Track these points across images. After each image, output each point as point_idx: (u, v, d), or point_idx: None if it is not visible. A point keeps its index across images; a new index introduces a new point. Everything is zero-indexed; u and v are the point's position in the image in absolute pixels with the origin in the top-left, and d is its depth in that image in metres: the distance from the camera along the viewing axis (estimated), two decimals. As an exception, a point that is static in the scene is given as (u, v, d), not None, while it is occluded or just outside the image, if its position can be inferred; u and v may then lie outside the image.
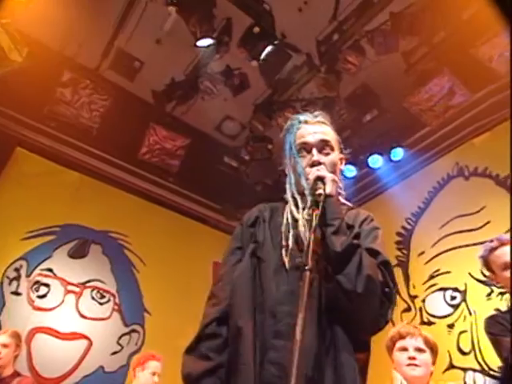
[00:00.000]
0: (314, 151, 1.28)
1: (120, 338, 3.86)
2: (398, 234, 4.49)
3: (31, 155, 4.10)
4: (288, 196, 1.29)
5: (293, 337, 0.85)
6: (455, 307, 3.74)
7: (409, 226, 4.43)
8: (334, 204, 1.16)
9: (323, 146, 1.30)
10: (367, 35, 3.68)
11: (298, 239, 1.16)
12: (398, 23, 3.51)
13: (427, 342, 1.79)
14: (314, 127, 1.34)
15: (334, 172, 1.26)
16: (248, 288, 1.14)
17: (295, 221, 1.20)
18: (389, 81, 4.19)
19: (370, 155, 4.44)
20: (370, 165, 4.47)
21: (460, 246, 3.88)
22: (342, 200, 1.30)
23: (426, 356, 1.75)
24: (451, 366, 3.55)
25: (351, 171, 4.60)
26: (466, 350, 3.54)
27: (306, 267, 0.90)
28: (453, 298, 3.79)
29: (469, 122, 4.08)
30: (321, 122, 1.37)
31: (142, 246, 4.51)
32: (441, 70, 3.82)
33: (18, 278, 3.59)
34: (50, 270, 3.77)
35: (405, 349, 1.76)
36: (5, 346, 2.66)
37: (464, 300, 3.71)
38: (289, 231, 1.18)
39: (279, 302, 1.07)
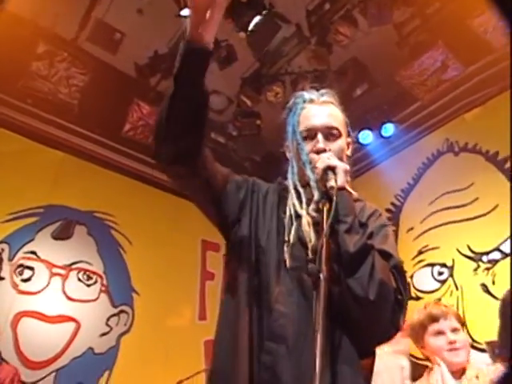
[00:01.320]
0: (320, 137, 1.15)
1: (108, 319, 3.82)
2: (388, 210, 4.48)
3: (9, 133, 3.89)
4: (290, 187, 1.17)
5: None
6: (442, 282, 3.79)
7: (398, 203, 4.43)
8: (347, 198, 1.05)
9: (330, 131, 1.17)
10: (360, 5, 3.52)
11: (300, 237, 1.06)
12: (392, -8, 3.37)
13: (459, 319, 1.65)
14: (320, 108, 1.20)
15: (340, 159, 1.12)
16: (246, 276, 1.06)
17: (298, 216, 1.09)
18: (380, 54, 4.06)
19: (361, 131, 4.36)
20: (360, 140, 4.40)
21: (448, 222, 3.90)
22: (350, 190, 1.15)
23: (463, 335, 1.61)
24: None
25: (341, 147, 4.52)
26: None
27: (321, 275, 0.80)
28: (440, 273, 3.84)
29: (460, 97, 4.01)
30: (328, 102, 1.24)
31: (129, 225, 4.41)
32: (434, 43, 3.71)
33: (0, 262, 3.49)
34: (34, 252, 3.66)
35: (441, 332, 1.59)
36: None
37: (451, 275, 3.76)
38: (291, 226, 1.07)
39: (276, 300, 0.99)
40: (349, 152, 1.24)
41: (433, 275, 3.88)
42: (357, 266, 0.92)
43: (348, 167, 1.10)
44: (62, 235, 3.87)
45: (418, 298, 3.91)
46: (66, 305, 3.62)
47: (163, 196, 4.91)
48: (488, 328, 3.20)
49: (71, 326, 3.57)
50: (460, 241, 3.75)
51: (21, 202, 3.76)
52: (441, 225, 3.95)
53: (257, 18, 3.51)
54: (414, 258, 4.05)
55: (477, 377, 1.52)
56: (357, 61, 4.32)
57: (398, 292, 0.97)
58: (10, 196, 3.70)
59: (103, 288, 3.92)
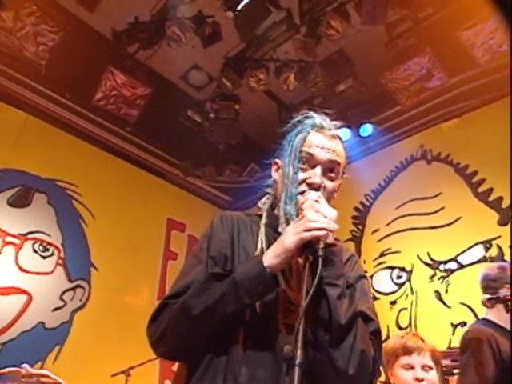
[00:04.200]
0: (318, 170, 1.04)
1: (63, 293, 3.69)
2: (356, 209, 4.54)
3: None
4: (266, 220, 1.08)
5: None
6: (400, 286, 3.91)
7: (367, 203, 4.49)
8: (337, 255, 0.93)
9: (331, 168, 1.06)
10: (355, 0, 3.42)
11: None
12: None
13: (434, 356, 1.58)
14: (328, 142, 1.08)
15: (328, 200, 1.02)
16: None
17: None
18: (368, 52, 4.01)
19: (339, 128, 4.32)
20: (338, 137, 4.37)
21: (412, 228, 4.00)
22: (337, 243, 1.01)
23: (433, 374, 1.54)
24: (388, 338, 3.78)
25: (318, 141, 4.49)
26: (404, 325, 3.75)
27: (297, 362, 0.71)
28: (399, 276, 3.95)
29: (439, 106, 4.05)
30: (337, 137, 1.12)
31: (92, 197, 4.23)
32: (422, 49, 3.69)
33: None
34: (-14, 218, 3.46)
35: (411, 367, 1.55)
36: None
37: (409, 280, 3.88)
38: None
39: (244, 362, 0.88)
40: (336, 196, 1.12)
41: (392, 278, 4.00)
42: (343, 337, 0.86)
43: (337, 227, 0.93)
44: (18, 202, 3.66)
45: (375, 299, 4.03)
46: (18, 276, 3.46)
47: (132, 170, 4.74)
48: (436, 334, 3.36)
49: (22, 298, 3.43)
50: (421, 247, 3.86)
51: (-25, 163, 3.51)
52: (405, 230, 4.05)
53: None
54: (375, 259, 4.15)
55: None
56: (344, 55, 4.25)
57: (375, 361, 0.92)
58: (-37, 156, 3.44)
59: (60, 261, 3.77)
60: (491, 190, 3.58)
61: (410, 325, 3.70)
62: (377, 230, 4.24)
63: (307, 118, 1.13)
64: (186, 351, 0.94)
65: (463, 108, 3.96)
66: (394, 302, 3.88)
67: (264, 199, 1.16)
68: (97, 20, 4.00)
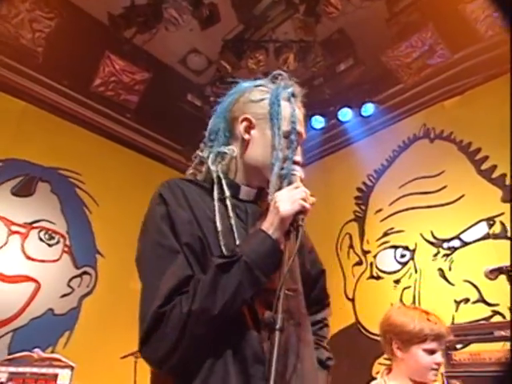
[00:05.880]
0: (299, 149, 1.03)
1: (70, 280, 3.74)
2: (359, 189, 4.54)
3: (-36, 77, 3.57)
4: (219, 180, 0.99)
5: None
6: (403, 264, 3.94)
7: (370, 183, 4.48)
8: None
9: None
10: (354, -24, 3.34)
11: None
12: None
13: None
14: (302, 117, 1.06)
15: None
16: None
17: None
18: (368, 30, 3.93)
19: (341, 108, 4.29)
20: (340, 117, 4.34)
21: (416, 207, 3.99)
22: None
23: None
24: (392, 317, 3.83)
25: (320, 122, 4.46)
26: (407, 303, 3.79)
27: (277, 326, 0.72)
28: (402, 255, 3.97)
29: (442, 84, 3.99)
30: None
31: (95, 184, 4.24)
32: (425, 25, 3.61)
33: (-47, 218, 3.30)
34: (-9, 209, 3.48)
35: (434, 352, 1.55)
36: None
37: (412, 258, 3.90)
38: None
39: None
40: None
41: (395, 257, 4.02)
42: None
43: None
44: (22, 192, 3.67)
45: (378, 278, 4.07)
46: (25, 264, 3.50)
47: (134, 156, 4.74)
48: (440, 311, 3.40)
49: (31, 286, 3.48)
50: (424, 226, 3.87)
51: (-23, 154, 3.52)
52: (408, 209, 4.05)
53: (244, -22, 3.28)
54: (379, 239, 4.17)
55: None
56: (344, 34, 4.18)
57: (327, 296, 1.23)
58: (-36, 147, 3.45)
59: (66, 248, 3.81)
60: (495, 167, 3.56)
61: (413, 302, 3.73)
62: (380, 210, 4.24)
63: (286, 84, 1.08)
64: (198, 358, 0.83)
65: (466, 85, 3.90)
66: (397, 281, 3.91)
67: (214, 157, 1.02)
68: (92, 5, 3.93)
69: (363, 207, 4.43)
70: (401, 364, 1.62)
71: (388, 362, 1.77)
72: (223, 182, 0.98)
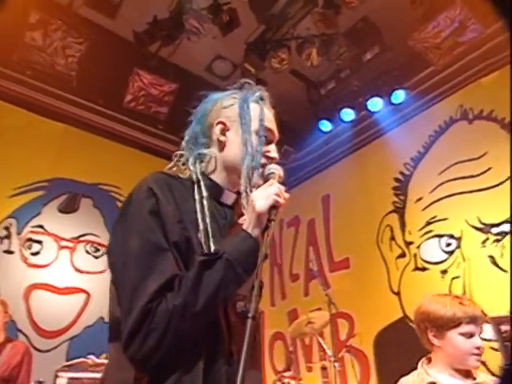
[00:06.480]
0: (273, 146, 1.08)
1: (118, 289, 3.90)
2: (396, 179, 4.39)
3: (10, 107, 3.84)
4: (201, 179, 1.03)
5: None
6: (450, 253, 3.76)
7: (407, 172, 4.32)
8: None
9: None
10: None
11: None
12: None
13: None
14: (272, 117, 1.13)
15: None
16: None
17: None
18: (393, 15, 3.81)
19: (370, 98, 4.18)
20: (369, 108, 4.23)
21: (458, 193, 3.81)
22: None
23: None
24: (442, 310, 3.65)
25: (349, 115, 4.38)
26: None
27: (250, 315, 0.74)
28: (448, 244, 3.79)
29: (477, 61, 3.78)
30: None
31: (135, 196, 4.41)
32: (452, 2, 3.45)
33: (8, 237, 3.54)
34: (41, 226, 3.71)
35: (473, 335, 1.50)
36: (-10, 314, 2.66)
37: (459, 247, 3.71)
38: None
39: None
40: None
41: (440, 246, 3.84)
42: None
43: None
44: (68, 208, 3.89)
45: (424, 269, 3.91)
46: (75, 276, 3.71)
47: (167, 165, 4.88)
48: (493, 301, 3.21)
49: (82, 296, 3.67)
50: (469, 212, 3.68)
51: (26, 175, 3.77)
52: (450, 195, 3.86)
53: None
54: (421, 229, 4.00)
55: None
56: (368, 22, 4.08)
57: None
58: (14, 170, 3.70)
59: (111, 259, 3.98)
60: (542, 142, 3.32)
61: (464, 293, 3.55)
62: (420, 199, 4.08)
63: (253, 89, 1.15)
64: (183, 354, 0.84)
65: (504, 59, 3.67)
66: (444, 271, 3.74)
67: (194, 160, 1.08)
68: (118, 25, 4.11)
69: (402, 197, 4.28)
70: (439, 352, 1.56)
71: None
72: (201, 182, 1.02)
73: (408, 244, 4.09)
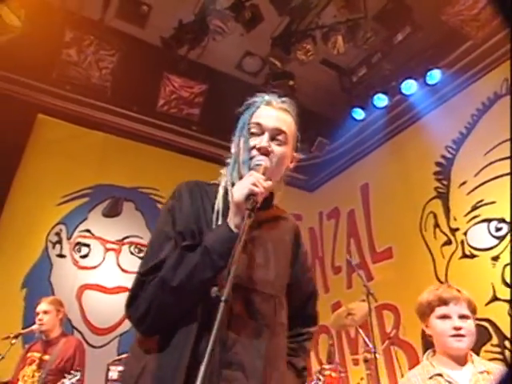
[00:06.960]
0: (266, 136, 1.11)
1: (162, 287, 4.07)
2: (437, 163, 4.18)
3: (53, 120, 4.12)
4: (225, 184, 1.14)
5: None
6: (501, 239, 3.52)
7: (449, 155, 4.10)
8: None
9: (277, 134, 1.13)
10: None
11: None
12: None
13: (470, 305, 1.54)
14: (275, 112, 1.16)
15: (280, 165, 1.12)
16: None
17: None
18: (422, -10, 3.63)
19: (403, 81, 4.01)
20: (403, 91, 4.06)
21: (507, 174, 3.55)
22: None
23: (470, 323, 1.50)
24: (495, 299, 3.43)
25: (382, 100, 4.23)
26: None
27: (223, 298, 0.77)
28: (498, 229, 3.56)
29: (520, 29, 3.50)
30: (285, 110, 1.18)
31: (174, 197, 4.55)
32: (485, -31, 3.22)
33: (60, 242, 3.81)
34: (88, 230, 3.95)
35: (447, 316, 1.52)
36: (45, 312, 2.88)
37: (510, 231, 3.47)
38: None
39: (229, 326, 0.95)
40: (291, 165, 1.20)
41: (489, 231, 3.62)
42: None
43: (278, 182, 1.14)
44: (111, 212, 4.10)
45: (473, 256, 3.70)
46: (121, 277, 3.91)
47: (205, 166, 4.96)
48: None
49: (128, 295, 3.86)
50: (520, 193, 3.42)
51: (71, 184, 4.02)
52: (498, 177, 3.62)
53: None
54: (467, 214, 3.79)
55: (488, 372, 1.42)
56: (398, 1, 3.91)
57: None
58: (61, 180, 3.97)
59: (155, 259, 4.15)
60: None
61: (518, 280, 3.32)
62: (464, 183, 3.86)
63: (257, 97, 1.21)
64: (169, 325, 0.96)
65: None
66: (496, 258, 3.51)
67: (223, 171, 1.21)
68: (146, 33, 4.25)
69: (445, 182, 4.07)
70: (434, 342, 1.57)
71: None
72: (220, 192, 1.12)
73: (454, 230, 3.89)
